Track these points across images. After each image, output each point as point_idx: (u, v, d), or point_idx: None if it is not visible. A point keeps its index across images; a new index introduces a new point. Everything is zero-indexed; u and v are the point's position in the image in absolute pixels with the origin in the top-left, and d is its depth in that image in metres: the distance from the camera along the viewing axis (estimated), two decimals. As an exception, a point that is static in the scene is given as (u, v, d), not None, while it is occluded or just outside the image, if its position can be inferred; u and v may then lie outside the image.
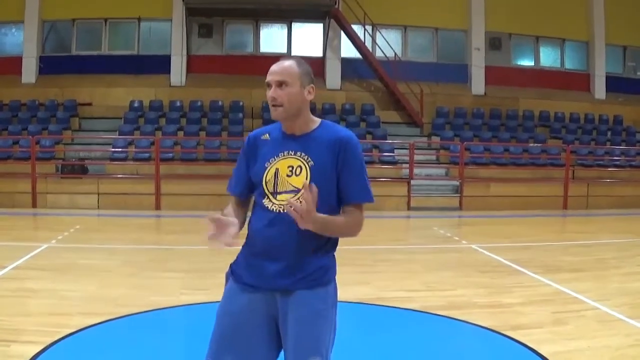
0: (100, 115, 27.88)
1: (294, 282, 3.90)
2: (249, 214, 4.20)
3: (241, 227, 4.13)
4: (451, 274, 11.75)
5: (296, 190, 3.90)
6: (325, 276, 3.99)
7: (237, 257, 4.22)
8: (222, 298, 4.20)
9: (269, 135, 4.17)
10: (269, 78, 4.02)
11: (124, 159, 24.90)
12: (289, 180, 3.94)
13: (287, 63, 4.04)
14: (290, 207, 3.65)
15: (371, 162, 25.50)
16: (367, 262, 12.75)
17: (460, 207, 24.57)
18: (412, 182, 24.56)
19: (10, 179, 22.96)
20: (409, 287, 10.51)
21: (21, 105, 27.79)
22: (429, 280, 11.21)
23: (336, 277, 4.10)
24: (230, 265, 4.25)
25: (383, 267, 12.16)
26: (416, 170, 25.17)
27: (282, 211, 3.87)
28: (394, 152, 26.63)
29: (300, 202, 3.65)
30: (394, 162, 26.16)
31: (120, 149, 25.12)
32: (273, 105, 3.97)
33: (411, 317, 8.67)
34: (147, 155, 24.76)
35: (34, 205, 22.50)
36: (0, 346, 6.87)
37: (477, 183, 25.28)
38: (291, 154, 3.99)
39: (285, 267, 3.90)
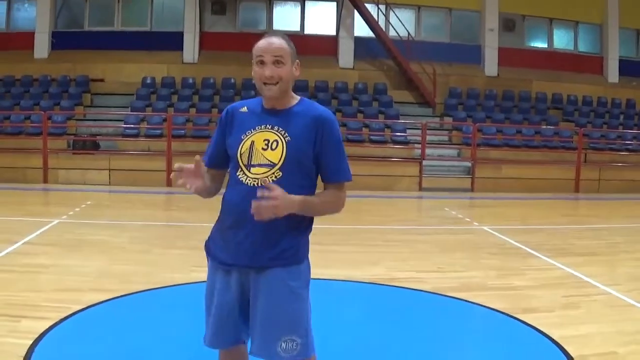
0: (112, 92, 27.88)
1: (267, 259, 3.90)
2: (223, 191, 4.20)
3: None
4: (462, 256, 11.73)
5: (270, 165, 3.89)
6: (297, 254, 3.99)
7: (211, 232, 4.23)
8: (207, 278, 4.25)
9: (247, 108, 4.16)
10: (262, 55, 3.98)
11: (136, 136, 24.91)
12: (264, 153, 3.92)
13: (279, 40, 4.01)
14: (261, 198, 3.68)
15: (383, 142, 25.50)
16: (378, 242, 12.74)
17: (472, 189, 24.53)
18: (424, 162, 24.52)
19: (22, 154, 22.99)
20: (420, 268, 10.50)
21: (33, 80, 27.81)
22: (440, 261, 11.18)
23: (309, 256, 4.12)
24: (206, 241, 4.26)
25: (394, 248, 12.14)
26: (428, 151, 25.11)
27: (255, 185, 3.85)
28: (406, 132, 26.57)
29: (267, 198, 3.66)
30: (406, 142, 26.10)
31: (132, 126, 25.14)
32: (267, 84, 3.95)
33: (422, 299, 8.66)
34: (158, 131, 24.76)
35: (45, 180, 22.53)
36: (11, 321, 6.88)
37: (489, 164, 25.22)
38: (268, 128, 3.98)
39: (259, 243, 3.90)
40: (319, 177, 4.08)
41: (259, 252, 3.89)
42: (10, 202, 17.82)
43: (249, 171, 3.93)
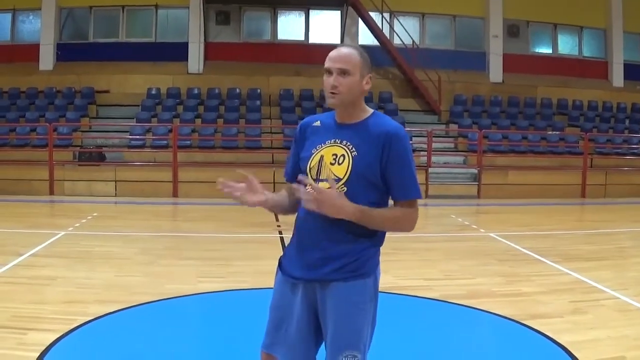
0: (117, 103, 27.85)
1: (329, 272, 3.86)
2: None
3: (289, 212, 4.20)
4: (470, 263, 11.72)
5: (336, 180, 3.84)
6: (363, 268, 3.91)
7: (287, 245, 4.21)
8: (273, 290, 4.20)
9: (320, 122, 4.13)
10: (329, 64, 3.92)
11: (142, 147, 24.91)
12: (332, 168, 3.88)
13: (348, 50, 3.95)
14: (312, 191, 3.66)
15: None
16: (386, 250, 12.57)
17: (478, 195, 24.47)
18: (430, 170, 24.47)
19: (28, 166, 22.98)
20: (428, 276, 10.50)
21: (39, 92, 27.81)
22: (448, 268, 11.18)
23: (378, 271, 4.05)
24: (281, 256, 4.24)
25: (401, 256, 12.12)
26: (434, 158, 25.08)
27: None
28: (412, 140, 26.52)
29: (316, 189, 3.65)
30: (412, 150, 26.02)
31: (137, 137, 25.13)
32: (331, 93, 3.90)
33: (430, 306, 8.65)
34: (164, 142, 24.75)
35: (52, 192, 22.51)
36: (17, 334, 6.88)
37: (495, 171, 25.17)
38: (337, 142, 3.93)
39: (322, 257, 3.87)
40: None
41: (321, 266, 3.87)
42: (16, 214, 17.81)
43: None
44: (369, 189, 3.87)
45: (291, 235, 4.15)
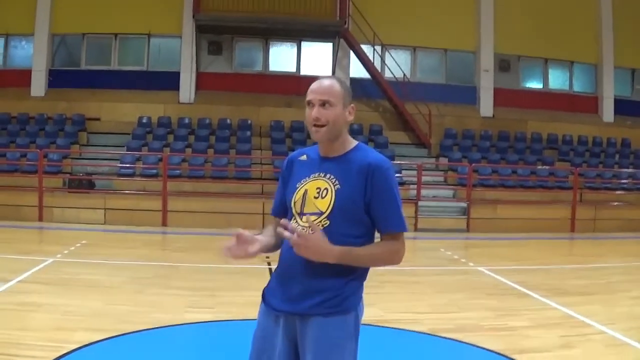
0: (108, 131, 27.86)
1: (309, 307, 3.83)
2: None
3: (277, 249, 4.15)
4: (458, 297, 11.70)
5: (318, 213, 3.85)
6: (343, 304, 3.88)
7: (271, 277, 4.20)
8: (257, 318, 4.18)
9: (306, 156, 4.14)
10: (310, 97, 3.93)
11: (132, 175, 24.90)
12: (315, 202, 3.89)
13: (329, 82, 3.96)
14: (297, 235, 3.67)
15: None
16: (374, 282, 12.61)
17: (467, 229, 24.47)
18: (420, 203, 24.46)
19: (17, 192, 22.94)
20: (416, 309, 10.48)
21: (29, 118, 27.83)
22: (436, 302, 11.17)
23: (360, 308, 4.03)
24: (265, 287, 4.23)
25: (389, 289, 12.09)
26: (423, 192, 25.08)
27: None
28: (401, 173, 26.55)
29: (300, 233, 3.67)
30: (401, 183, 26.04)
31: (127, 165, 25.12)
32: (315, 126, 3.90)
33: (418, 340, 8.63)
34: (154, 171, 24.75)
35: (40, 218, 22.45)
36: (2, 360, 6.85)
37: (485, 205, 25.19)
38: (321, 176, 3.95)
39: (303, 290, 3.85)
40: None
41: (301, 299, 3.85)
42: (4, 240, 17.75)
43: (301, 220, 3.91)
44: (353, 222, 3.87)
45: (277, 265, 4.13)
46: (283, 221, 3.78)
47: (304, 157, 4.13)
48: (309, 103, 3.93)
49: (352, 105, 4.01)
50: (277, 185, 4.35)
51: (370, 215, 3.90)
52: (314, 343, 3.81)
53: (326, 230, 3.78)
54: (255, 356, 4.05)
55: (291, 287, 3.89)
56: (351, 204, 3.84)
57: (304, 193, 3.94)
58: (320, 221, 3.82)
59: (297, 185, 4.00)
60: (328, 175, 3.92)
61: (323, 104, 3.88)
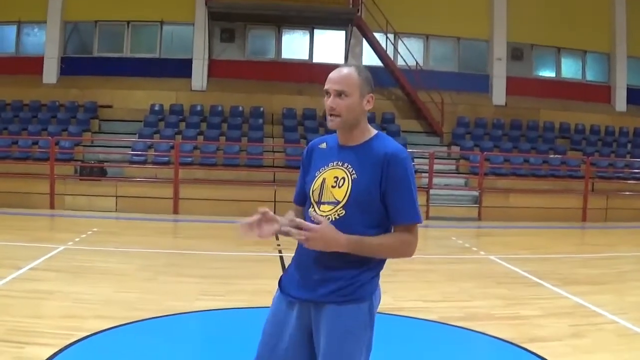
0: (120, 118, 27.92)
1: (324, 294, 3.83)
2: None
3: None
4: (469, 285, 11.69)
5: (335, 202, 3.85)
6: (357, 292, 3.86)
7: (289, 264, 4.19)
8: (271, 305, 4.17)
9: (326, 144, 4.11)
10: (327, 86, 3.91)
11: (143, 162, 24.92)
12: (332, 191, 3.88)
13: (347, 71, 3.93)
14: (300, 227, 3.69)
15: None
16: (385, 271, 12.56)
17: (479, 218, 24.47)
18: (431, 191, 24.48)
19: (29, 180, 23.00)
20: (427, 298, 10.47)
21: (41, 105, 27.90)
22: (447, 290, 11.15)
23: (376, 297, 4.01)
24: (282, 275, 4.22)
25: (401, 277, 12.07)
26: (435, 180, 25.09)
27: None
28: (413, 162, 26.49)
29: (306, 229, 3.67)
30: (414, 172, 25.99)
31: (139, 152, 25.18)
32: (330, 115, 3.89)
33: (429, 328, 8.62)
34: (166, 159, 24.77)
35: (52, 206, 22.50)
36: (14, 347, 6.87)
37: (497, 194, 25.18)
38: (339, 165, 3.93)
39: (319, 278, 3.85)
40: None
41: (316, 287, 3.85)
42: (16, 228, 17.79)
43: (319, 208, 3.91)
44: (368, 212, 3.85)
45: (294, 253, 4.12)
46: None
47: (323, 145, 4.12)
48: (327, 92, 3.91)
49: (370, 94, 3.98)
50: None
51: (385, 205, 3.87)
52: (327, 330, 3.81)
53: (342, 220, 3.80)
54: (266, 339, 4.05)
55: (307, 275, 3.89)
56: (367, 194, 3.82)
57: (322, 182, 3.93)
58: (336, 211, 3.82)
59: (316, 174, 3.99)
60: (346, 165, 3.90)
61: (339, 94, 3.86)
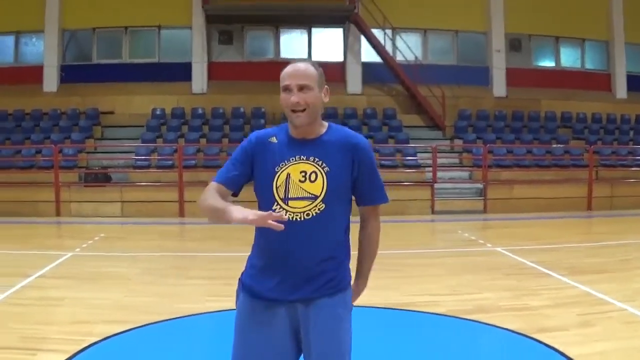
0: (122, 124, 27.98)
1: (314, 290, 3.86)
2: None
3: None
4: (477, 277, 11.70)
5: (312, 197, 3.83)
6: (343, 282, 3.98)
7: (247, 269, 4.14)
8: (238, 315, 4.14)
9: (276, 138, 4.02)
10: (288, 81, 3.87)
11: (147, 167, 24.98)
12: (302, 185, 3.84)
13: (304, 65, 3.94)
14: None
15: (394, 166, 25.51)
16: (393, 266, 12.67)
17: (484, 210, 24.49)
18: (436, 185, 24.52)
19: (34, 188, 23.09)
20: (435, 292, 10.48)
21: (43, 114, 27.99)
22: (455, 284, 11.15)
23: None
24: (241, 279, 4.19)
25: (408, 272, 12.11)
26: (439, 174, 25.12)
27: (298, 219, 3.80)
28: (416, 156, 26.57)
29: None
30: (417, 166, 26.12)
31: (143, 157, 25.23)
32: (295, 111, 3.84)
33: (438, 322, 8.63)
34: (169, 162, 24.82)
35: (58, 213, 22.58)
36: (26, 354, 6.90)
37: (501, 185, 25.20)
38: (303, 159, 3.89)
39: (305, 277, 3.86)
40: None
41: (304, 285, 3.86)
42: (23, 236, 17.86)
43: (287, 205, 3.84)
44: (343, 201, 3.94)
45: (250, 257, 4.13)
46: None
47: (274, 140, 4.02)
48: (286, 88, 3.88)
49: (326, 87, 4.00)
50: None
51: (355, 190, 4.00)
52: (322, 324, 3.85)
53: (323, 214, 3.82)
54: (251, 347, 4.02)
55: (292, 274, 3.87)
56: (342, 185, 3.90)
57: (286, 177, 3.87)
58: (316, 205, 3.82)
59: (276, 170, 3.90)
60: (312, 158, 3.88)
61: (301, 88, 3.84)
